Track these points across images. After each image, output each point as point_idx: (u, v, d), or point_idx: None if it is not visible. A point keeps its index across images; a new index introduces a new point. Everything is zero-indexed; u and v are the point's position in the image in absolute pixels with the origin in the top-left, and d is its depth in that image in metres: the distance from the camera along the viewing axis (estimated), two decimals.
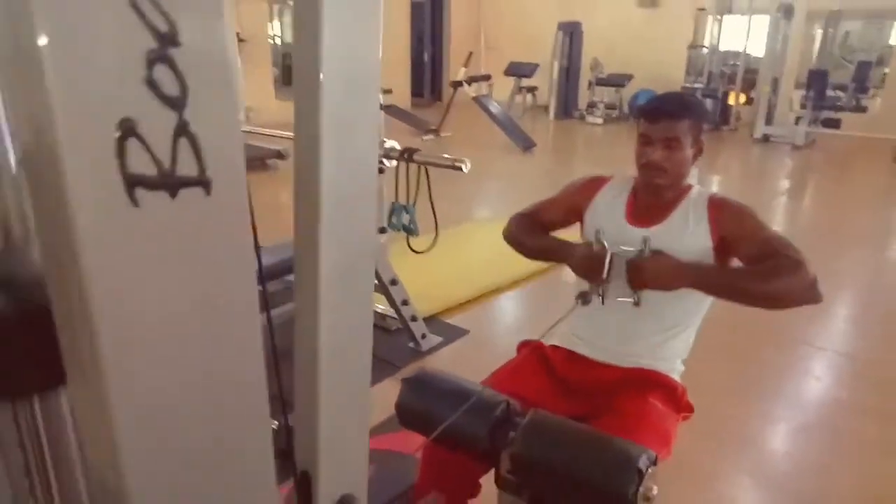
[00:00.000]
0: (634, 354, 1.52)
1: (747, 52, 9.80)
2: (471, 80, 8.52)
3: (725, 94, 9.91)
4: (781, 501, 2.08)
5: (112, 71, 0.35)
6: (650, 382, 1.47)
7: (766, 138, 9.00)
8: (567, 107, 11.02)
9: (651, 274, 1.37)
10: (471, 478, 1.43)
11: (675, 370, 1.54)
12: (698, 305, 1.55)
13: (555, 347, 1.61)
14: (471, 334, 3.09)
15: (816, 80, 8.91)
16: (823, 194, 7.05)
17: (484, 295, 3.55)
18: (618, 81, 10.62)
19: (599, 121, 10.52)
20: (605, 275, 1.41)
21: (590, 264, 1.43)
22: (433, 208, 2.35)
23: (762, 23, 9.38)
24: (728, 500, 2.07)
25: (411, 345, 2.86)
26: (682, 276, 1.38)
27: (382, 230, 2.54)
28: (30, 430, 0.53)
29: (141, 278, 0.40)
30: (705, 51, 10.63)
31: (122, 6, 0.36)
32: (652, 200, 1.55)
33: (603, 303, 1.48)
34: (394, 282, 2.67)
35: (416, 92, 12.63)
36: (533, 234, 1.67)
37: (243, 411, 0.58)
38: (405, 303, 2.75)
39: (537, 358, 1.58)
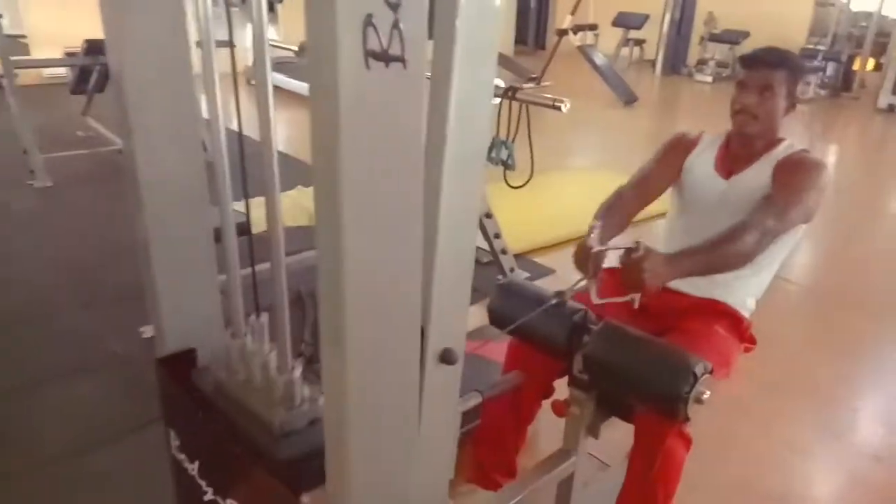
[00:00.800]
0: (708, 286, 1.65)
1: (882, 13, 9.09)
2: (577, 29, 8.37)
3: (850, 59, 9.29)
4: (838, 449, 2.19)
5: None
6: (718, 312, 1.62)
7: (891, 108, 8.42)
8: (675, 62, 10.64)
9: (643, 273, 1.33)
10: (547, 376, 1.64)
11: (744, 306, 1.67)
12: (776, 249, 1.64)
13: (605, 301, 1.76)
14: (556, 274, 3.27)
15: None
16: None
17: (573, 239, 3.68)
18: (732, 38, 10.12)
19: (709, 79, 10.12)
20: (590, 272, 1.39)
21: (578, 259, 1.43)
22: (531, 145, 2.51)
23: None
24: (788, 442, 2.20)
25: (499, 277, 3.07)
26: (671, 270, 1.37)
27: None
28: None
29: (371, 124, 0.65)
30: (833, 9, 9.92)
31: None
32: (741, 150, 1.66)
33: (593, 300, 1.43)
34: (488, 215, 2.87)
35: (520, 39, 12.51)
36: (603, 211, 1.68)
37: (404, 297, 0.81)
38: (497, 236, 2.95)
39: (616, 282, 1.75)
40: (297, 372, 0.99)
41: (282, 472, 0.93)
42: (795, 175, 1.55)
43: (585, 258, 1.39)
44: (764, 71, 1.56)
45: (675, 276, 1.39)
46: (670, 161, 1.77)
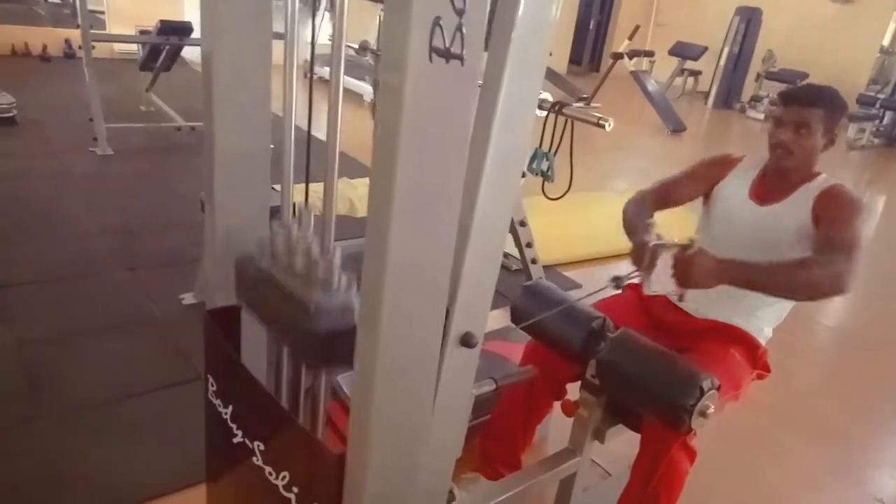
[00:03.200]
0: (726, 313, 1.70)
1: None
2: (632, 55, 8.41)
3: None
4: (844, 487, 2.20)
5: None
6: (735, 336, 1.66)
7: None
8: (729, 97, 10.55)
9: (694, 271, 1.40)
10: (560, 378, 1.71)
11: (761, 333, 1.71)
12: None
13: (655, 293, 1.83)
14: (583, 288, 3.33)
15: None
16: None
17: (603, 258, 3.76)
18: (790, 78, 10.00)
19: (761, 116, 10.01)
20: (645, 265, 1.45)
21: (635, 251, 1.49)
22: (571, 161, 2.58)
23: None
24: (799, 472, 2.22)
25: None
26: (723, 274, 1.42)
27: (521, 174, 2.80)
28: None
29: (429, 111, 0.75)
30: None
31: None
32: (778, 181, 1.69)
33: (644, 292, 1.51)
34: (523, 223, 2.95)
35: (575, 59, 12.54)
36: (635, 209, 1.74)
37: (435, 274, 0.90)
38: (529, 245, 3.02)
39: (638, 297, 1.81)
40: (337, 256, 1.06)
41: (314, 347, 1.02)
42: (846, 214, 1.55)
43: (643, 252, 1.45)
44: (800, 108, 1.60)
45: (723, 279, 1.43)
46: (705, 175, 1.81)
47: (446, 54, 0.73)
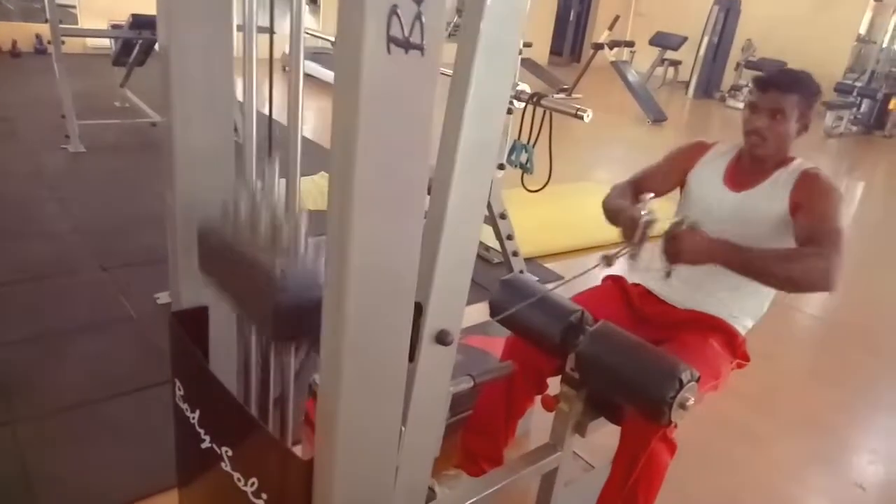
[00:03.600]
0: (705, 303, 1.69)
1: None
2: (613, 45, 8.40)
3: (887, 98, 9.19)
4: (826, 475, 2.21)
5: None
6: (713, 326, 1.66)
7: None
8: (709, 86, 10.62)
9: (684, 247, 1.42)
10: (541, 373, 1.69)
11: (740, 323, 1.70)
12: None
13: (635, 284, 1.82)
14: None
15: None
16: None
17: (584, 249, 3.75)
18: (769, 67, 10.06)
19: (740, 105, 10.02)
20: (636, 238, 1.46)
21: (627, 226, 1.49)
22: (550, 152, 2.56)
23: None
24: (781, 461, 2.23)
25: None
26: (713, 253, 1.44)
27: (501, 166, 2.78)
28: None
29: (387, 103, 0.72)
30: (874, 47, 9.83)
31: None
32: (752, 166, 1.68)
33: (633, 265, 1.52)
34: (503, 216, 2.92)
35: (556, 50, 12.55)
36: (617, 198, 1.74)
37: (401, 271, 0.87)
38: (510, 237, 3.00)
39: (618, 288, 1.80)
40: (304, 219, 1.00)
41: (280, 320, 0.96)
42: (816, 201, 1.55)
43: (634, 226, 1.46)
44: (775, 94, 1.58)
45: (713, 258, 1.45)
46: (679, 163, 1.81)
47: (405, 44, 0.70)
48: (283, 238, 0.99)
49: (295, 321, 0.97)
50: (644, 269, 1.54)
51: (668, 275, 1.54)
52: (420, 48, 0.72)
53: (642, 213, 1.47)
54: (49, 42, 4.46)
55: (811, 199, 1.57)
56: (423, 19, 0.71)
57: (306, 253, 0.99)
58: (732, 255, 1.45)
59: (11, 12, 8.31)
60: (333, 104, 0.74)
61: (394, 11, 0.68)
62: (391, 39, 0.68)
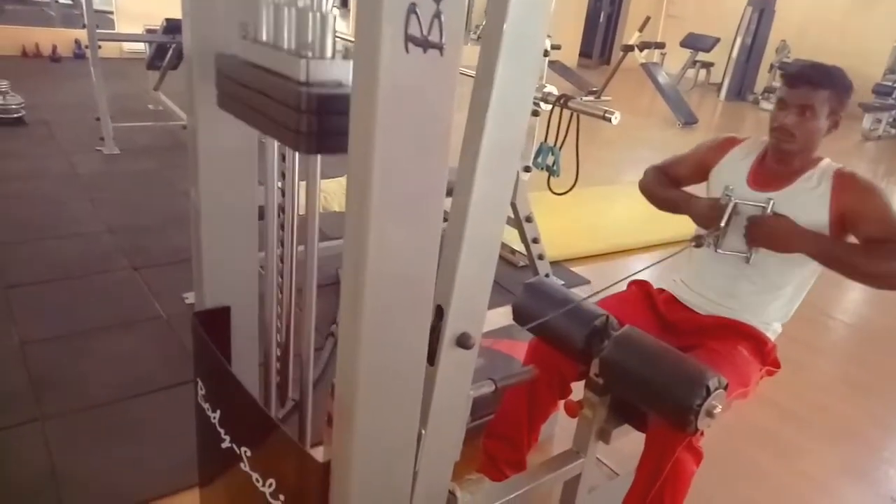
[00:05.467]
0: (733, 309, 1.66)
1: None
2: (643, 47, 8.31)
3: None
4: (857, 488, 2.14)
5: None
6: (742, 333, 1.62)
7: None
8: (742, 88, 10.43)
9: (769, 232, 1.47)
10: (565, 377, 1.67)
11: (769, 328, 1.66)
12: (804, 275, 1.64)
13: (661, 290, 1.79)
14: (591, 284, 3.28)
15: None
16: None
17: (611, 253, 3.71)
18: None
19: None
20: (723, 223, 1.54)
21: (710, 212, 1.57)
22: (577, 155, 2.53)
23: None
24: (812, 473, 2.16)
25: None
26: (799, 241, 1.47)
27: (527, 169, 2.76)
28: None
29: (406, 104, 0.72)
30: None
31: None
32: (778, 166, 1.63)
33: (716, 250, 1.61)
34: (528, 219, 2.90)
35: (585, 52, 12.45)
36: (664, 185, 1.81)
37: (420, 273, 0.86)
38: (535, 241, 2.98)
39: (644, 294, 1.77)
40: (333, 16, 0.90)
41: (305, 125, 0.85)
42: (867, 202, 1.53)
43: (720, 210, 1.56)
44: (806, 90, 1.52)
45: (797, 246, 1.49)
46: (705, 158, 1.79)
47: (424, 43, 0.69)
48: (308, 37, 0.89)
49: (321, 130, 0.86)
50: (698, 259, 1.63)
51: (747, 260, 1.60)
52: (439, 47, 0.71)
53: (728, 196, 1.57)
54: (87, 47, 4.55)
55: (860, 206, 1.52)
56: (443, 18, 0.70)
57: (334, 52, 0.90)
58: (817, 244, 1.48)
59: (52, 18, 8.55)
60: (351, 105, 0.73)
61: (412, 10, 0.67)
62: (409, 39, 0.68)
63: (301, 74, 0.84)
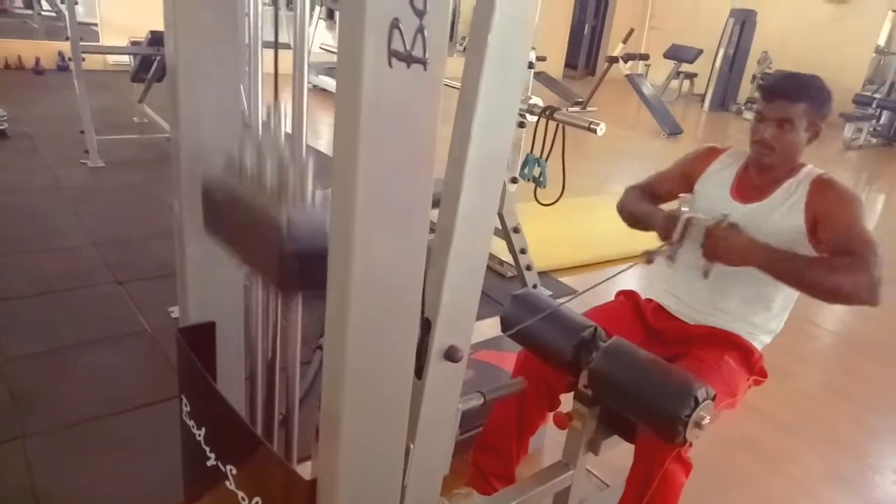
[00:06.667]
0: (720, 318, 1.66)
1: None
2: (627, 58, 8.40)
3: None
4: (845, 495, 2.15)
5: None
6: (729, 342, 1.62)
7: None
8: (725, 99, 10.53)
9: (725, 246, 1.41)
10: (553, 389, 1.66)
11: (756, 338, 1.67)
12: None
13: (648, 300, 1.80)
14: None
15: None
16: None
17: (599, 263, 3.72)
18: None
19: None
20: (676, 236, 1.48)
21: (665, 224, 1.53)
22: (564, 166, 2.54)
23: None
24: (800, 480, 2.17)
25: None
26: (753, 254, 1.42)
27: (514, 180, 2.77)
28: None
29: (389, 118, 0.71)
30: (893, 58, 9.72)
31: None
32: (760, 177, 1.63)
33: (671, 265, 1.55)
34: (516, 230, 2.90)
35: (570, 63, 12.55)
36: (636, 202, 1.76)
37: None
38: (523, 251, 2.98)
39: (631, 304, 1.77)
40: (311, 167, 0.98)
41: (289, 269, 0.93)
42: (838, 209, 1.51)
43: (672, 224, 1.50)
44: (782, 103, 1.52)
45: (754, 259, 1.43)
46: (689, 170, 1.78)
47: (407, 58, 0.69)
48: (290, 187, 0.97)
49: (303, 271, 0.93)
50: (683, 268, 1.54)
51: (706, 274, 1.54)
52: (422, 62, 0.71)
53: (683, 209, 1.51)
54: (70, 59, 4.52)
55: (831, 211, 1.51)
56: (426, 33, 0.70)
57: (313, 201, 0.97)
58: (773, 257, 1.42)
59: (35, 31, 8.49)
60: (335, 119, 0.73)
61: (395, 25, 0.67)
62: (392, 53, 0.68)
63: (283, 225, 0.91)
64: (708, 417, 1.32)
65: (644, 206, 1.73)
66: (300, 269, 0.92)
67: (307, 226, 0.92)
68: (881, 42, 10.11)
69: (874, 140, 9.05)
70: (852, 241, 1.45)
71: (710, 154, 1.77)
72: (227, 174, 1.04)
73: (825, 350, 3.31)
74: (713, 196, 1.68)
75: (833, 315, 3.60)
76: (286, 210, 0.92)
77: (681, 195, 1.66)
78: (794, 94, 1.52)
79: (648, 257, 1.54)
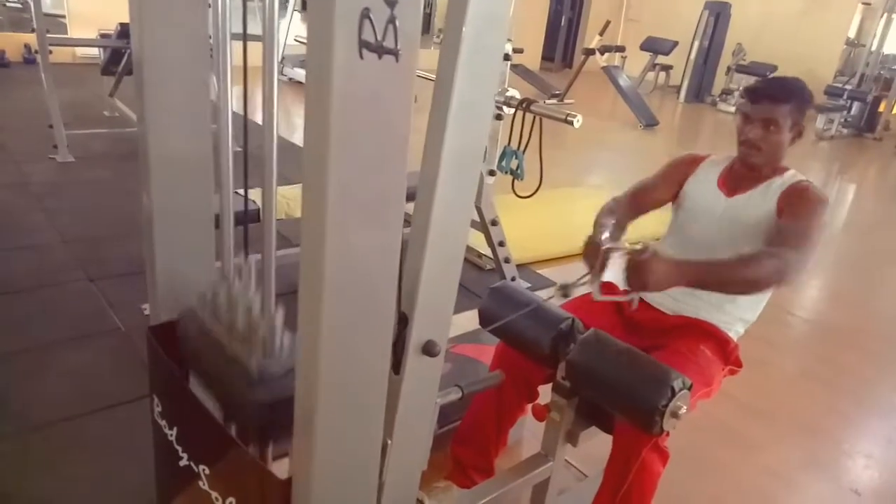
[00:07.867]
0: (697, 309, 1.67)
1: None
2: (604, 50, 8.43)
3: (877, 100, 9.24)
4: (820, 480, 2.19)
5: None
6: (705, 332, 1.64)
7: None
8: (700, 91, 10.65)
9: (647, 274, 1.35)
10: (532, 381, 1.66)
11: (732, 328, 1.68)
12: None
13: (626, 290, 1.80)
14: (557, 286, 3.28)
15: None
16: None
17: (577, 255, 3.71)
18: (759, 71, 10.08)
19: (731, 109, 10.08)
20: (596, 268, 1.42)
21: (586, 252, 1.48)
22: (541, 158, 2.54)
23: None
24: (775, 467, 2.20)
25: None
26: (678, 277, 1.39)
27: (492, 172, 2.76)
28: None
29: (361, 111, 0.69)
30: (864, 50, 9.89)
31: None
32: (746, 173, 1.68)
33: (595, 297, 1.47)
34: (494, 222, 2.90)
35: (547, 56, 12.57)
36: (608, 213, 1.72)
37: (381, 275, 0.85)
38: (501, 244, 2.98)
39: (609, 293, 1.77)
40: (280, 317, 1.01)
41: (256, 418, 0.96)
42: (806, 210, 1.55)
43: (594, 254, 1.42)
44: (768, 105, 1.58)
45: (679, 282, 1.40)
46: (673, 178, 1.80)
47: (378, 49, 0.68)
48: (259, 333, 1.01)
49: (273, 422, 0.99)
50: (603, 300, 1.46)
51: (633, 304, 1.53)
52: (394, 53, 0.69)
53: (603, 237, 1.44)
54: (37, 52, 4.41)
55: (794, 204, 1.57)
56: (398, 23, 0.68)
57: (282, 347, 1.01)
58: (694, 272, 1.41)
59: (0, 22, 8.28)
60: (305, 111, 0.71)
61: (366, 15, 0.65)
62: (363, 44, 0.66)
63: (253, 374, 0.97)
64: (684, 407, 1.33)
65: (600, 221, 1.68)
66: (270, 417, 0.98)
67: (276, 374, 0.98)
68: (851, 35, 10.29)
69: (845, 131, 9.21)
70: (788, 230, 1.49)
71: (695, 159, 1.81)
72: (202, 311, 1.09)
73: (800, 338, 3.36)
74: (701, 190, 1.72)
75: (807, 304, 3.66)
76: (256, 359, 0.97)
77: (601, 223, 1.59)
78: (778, 96, 1.58)
79: (564, 291, 1.47)
